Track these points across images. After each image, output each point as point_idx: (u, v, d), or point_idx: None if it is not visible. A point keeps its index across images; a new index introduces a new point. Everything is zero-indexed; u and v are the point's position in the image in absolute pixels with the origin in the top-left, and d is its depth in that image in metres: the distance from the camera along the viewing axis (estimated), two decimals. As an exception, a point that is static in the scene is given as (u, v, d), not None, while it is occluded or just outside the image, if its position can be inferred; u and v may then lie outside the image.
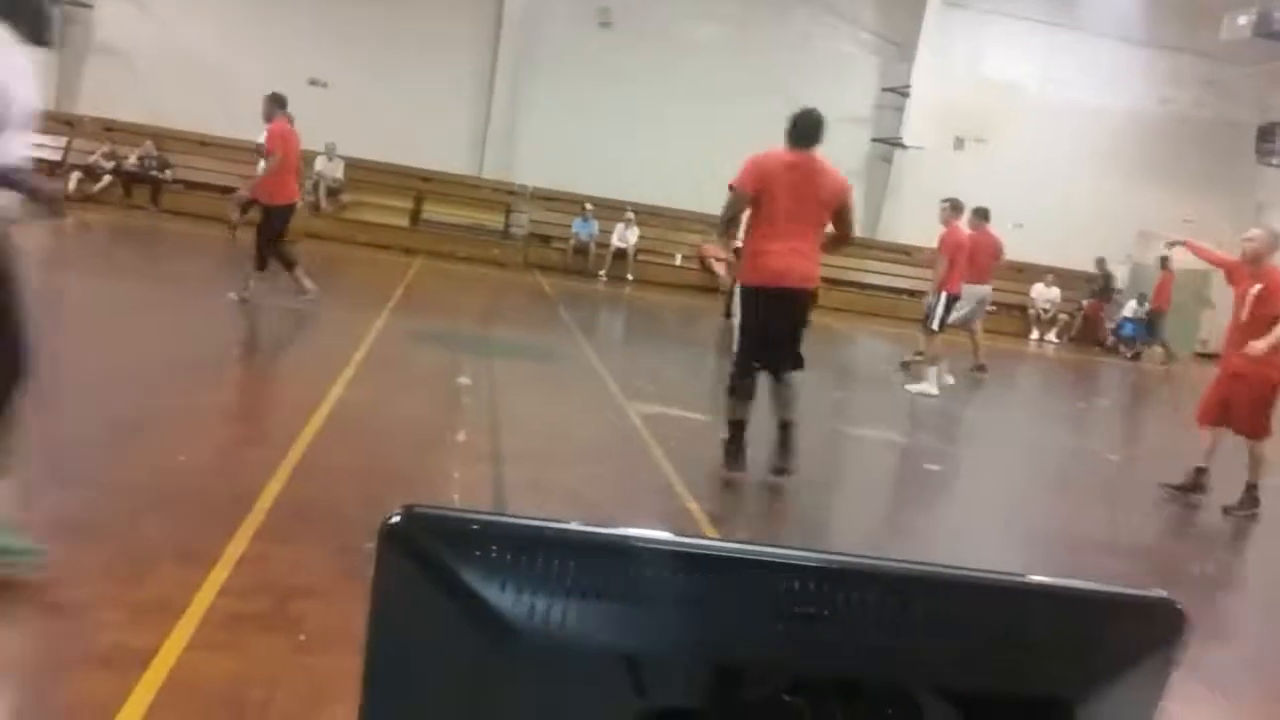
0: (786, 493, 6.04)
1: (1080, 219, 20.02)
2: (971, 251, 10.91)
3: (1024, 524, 6.70)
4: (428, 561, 0.67)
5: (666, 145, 19.30)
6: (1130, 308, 20.18)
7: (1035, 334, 19.90)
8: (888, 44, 20.78)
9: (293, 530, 3.99)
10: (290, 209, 9.94)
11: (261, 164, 10.33)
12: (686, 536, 0.73)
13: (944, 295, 10.52)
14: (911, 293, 20.30)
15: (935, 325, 10.50)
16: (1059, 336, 19.86)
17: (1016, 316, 20.23)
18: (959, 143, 20.02)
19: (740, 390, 5.79)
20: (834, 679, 0.76)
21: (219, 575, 3.53)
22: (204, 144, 18.38)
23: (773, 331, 5.68)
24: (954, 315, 10.84)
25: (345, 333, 8.87)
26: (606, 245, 18.85)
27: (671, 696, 0.74)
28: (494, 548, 0.67)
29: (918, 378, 10.65)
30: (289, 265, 9.87)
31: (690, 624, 0.72)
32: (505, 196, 19.72)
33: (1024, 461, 8.90)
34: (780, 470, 5.82)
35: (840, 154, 22.57)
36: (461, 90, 19.62)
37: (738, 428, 5.82)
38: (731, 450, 5.83)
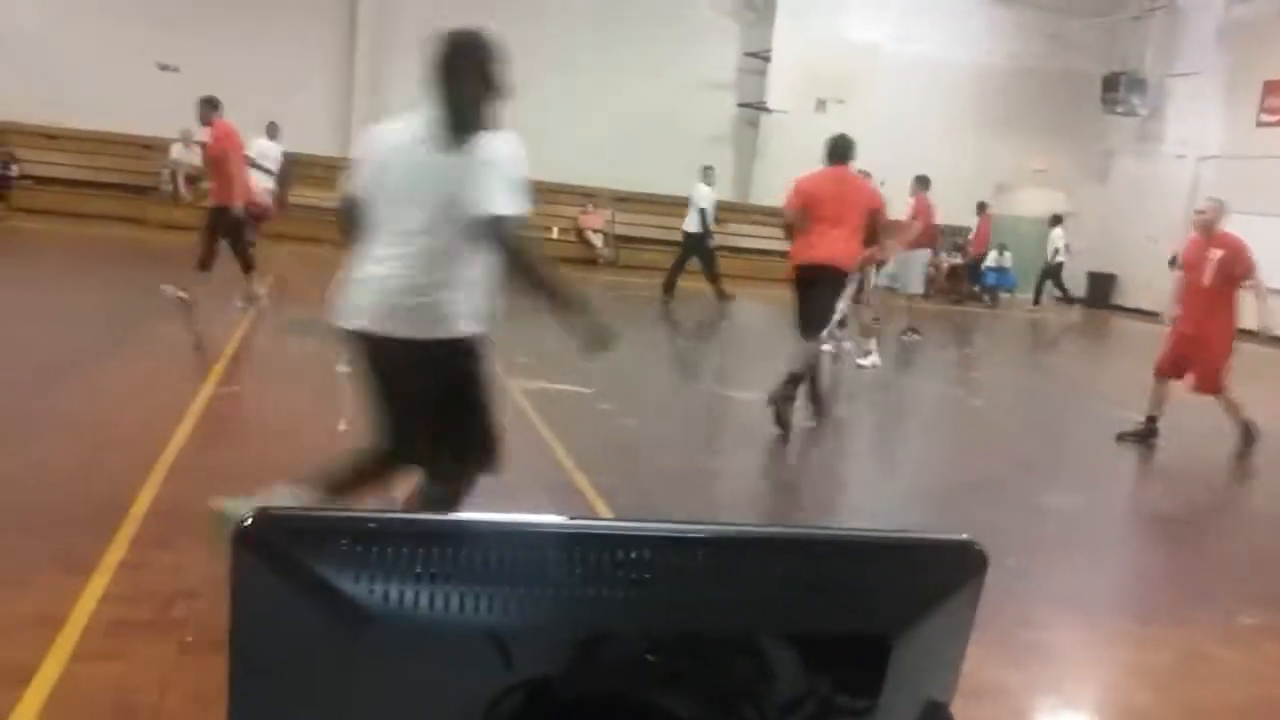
0: (674, 459, 6.18)
1: (939, 173, 20.51)
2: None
3: (905, 475, 6.97)
4: (281, 560, 0.71)
5: (535, 118, 19.11)
6: (991, 257, 20.91)
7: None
8: (747, 9, 20.99)
9: (171, 533, 3.94)
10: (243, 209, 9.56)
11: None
12: (528, 516, 0.80)
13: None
14: (783, 254, 20.66)
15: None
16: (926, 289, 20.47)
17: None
18: (821, 104, 20.35)
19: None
20: (684, 635, 0.83)
21: (99, 583, 3.48)
22: (52, 137, 17.60)
23: (807, 301, 7.05)
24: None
25: (213, 325, 8.67)
26: None
27: (538, 667, 0.79)
28: (344, 541, 0.71)
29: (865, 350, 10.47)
30: (205, 266, 9.32)
31: (544, 598, 0.77)
32: (374, 177, 19.36)
33: (904, 414, 9.22)
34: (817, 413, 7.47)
35: (707, 120, 22.83)
36: (320, 68, 19.16)
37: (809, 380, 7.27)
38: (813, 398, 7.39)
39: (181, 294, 9.15)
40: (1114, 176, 22.55)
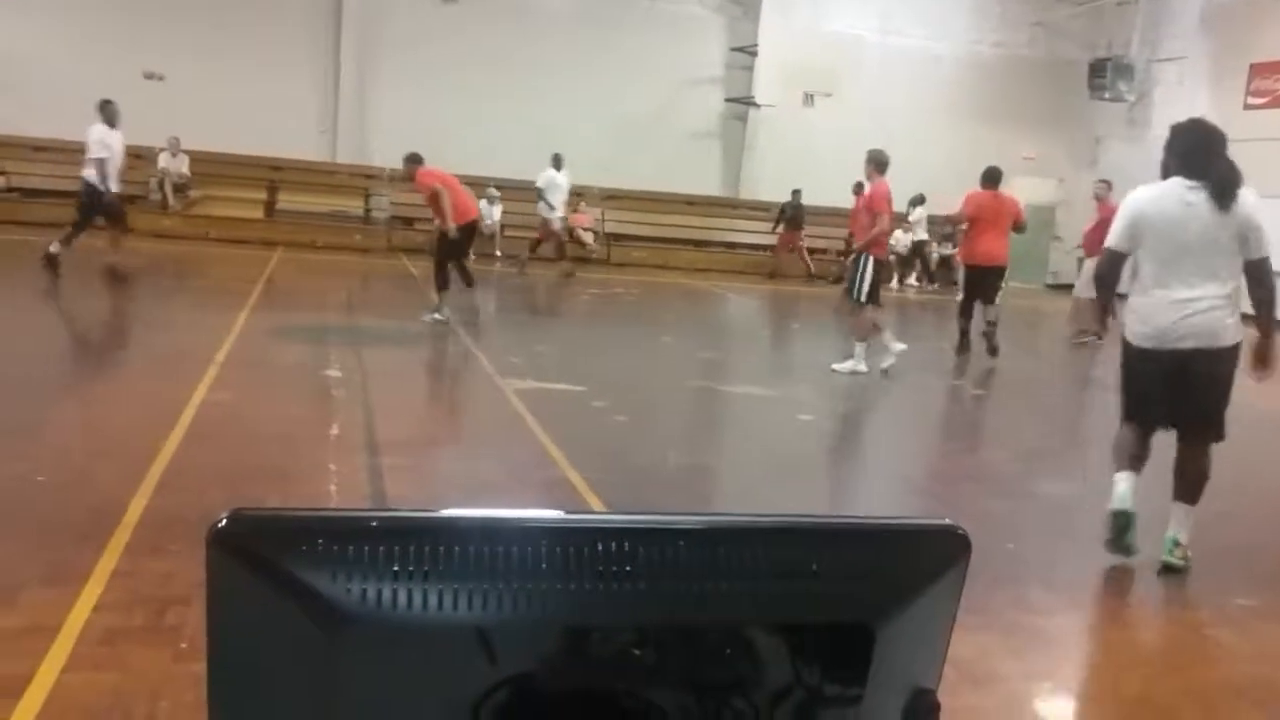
0: (665, 454, 6.18)
1: (928, 165, 20.61)
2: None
3: (897, 467, 6.97)
4: (257, 561, 0.70)
5: (524, 118, 19.17)
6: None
7: (895, 279, 20.49)
8: (733, 3, 20.99)
9: (163, 541, 3.92)
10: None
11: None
12: (506, 510, 0.79)
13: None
14: (772, 249, 20.71)
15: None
16: (918, 280, 20.48)
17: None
18: (808, 99, 20.37)
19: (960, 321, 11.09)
20: (668, 627, 0.83)
21: (92, 592, 3.47)
22: (38, 149, 17.53)
23: (977, 287, 10.89)
24: None
25: (205, 333, 8.66)
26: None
27: (522, 663, 0.78)
28: (320, 541, 0.70)
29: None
30: (442, 286, 10.64)
31: (525, 592, 0.76)
32: (363, 181, 19.34)
33: (903, 405, 9.23)
34: (991, 350, 10.71)
35: (695, 115, 22.86)
36: (307, 74, 19.12)
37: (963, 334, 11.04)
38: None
39: (438, 316, 10.35)
40: (1103, 163, 22.58)
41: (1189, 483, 4.59)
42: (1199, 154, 4.44)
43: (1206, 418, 4.52)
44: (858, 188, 19.03)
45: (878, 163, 9.54)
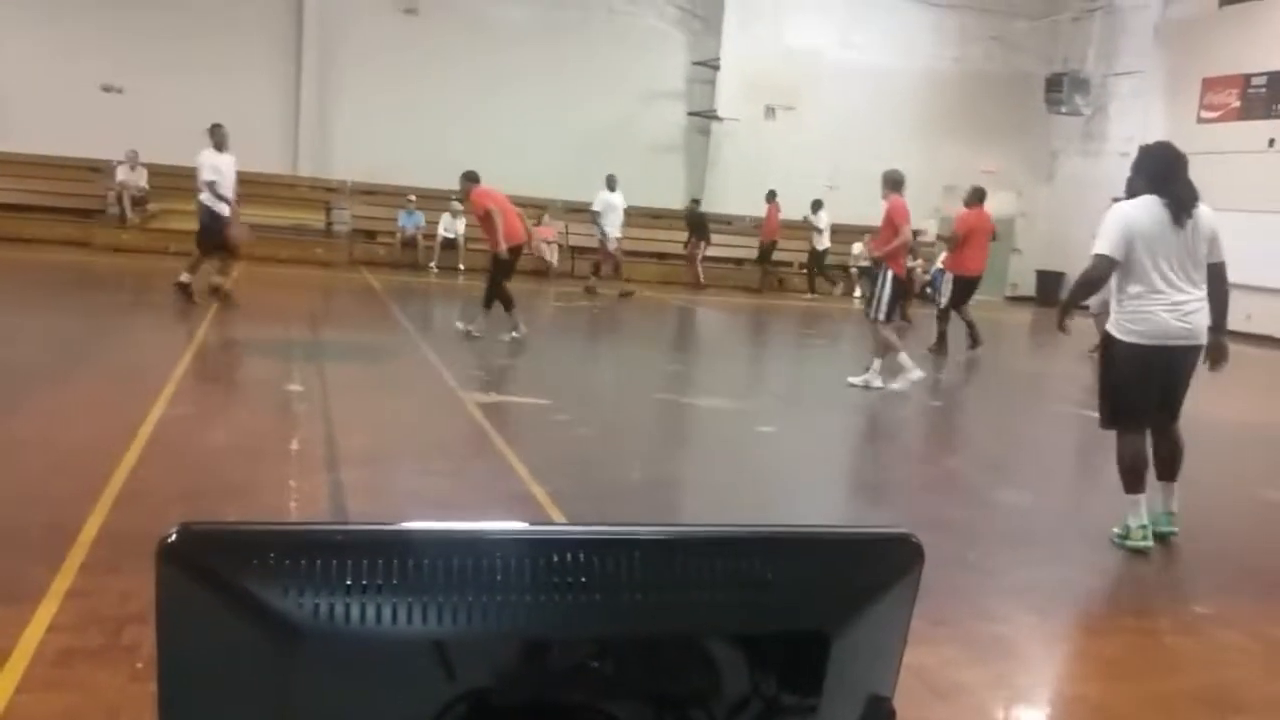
0: (629, 467, 6.17)
1: (888, 178, 20.82)
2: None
3: (867, 474, 7.01)
4: (208, 575, 0.69)
5: (486, 130, 19.14)
6: (941, 258, 21.11)
7: (858, 291, 20.62)
8: (694, 18, 21.09)
9: (120, 559, 3.86)
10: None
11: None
12: (460, 524, 0.78)
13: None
14: (738, 261, 20.79)
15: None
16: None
17: (840, 276, 20.95)
18: (770, 112, 20.51)
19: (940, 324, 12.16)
20: (625, 638, 0.83)
21: (46, 612, 3.41)
22: (-7, 161, 17.33)
23: (963, 294, 12.24)
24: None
25: (163, 348, 8.56)
26: (434, 236, 18.62)
27: (481, 676, 0.78)
28: (271, 555, 0.70)
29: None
30: (508, 306, 10.88)
31: (480, 605, 0.75)
32: (324, 194, 19.22)
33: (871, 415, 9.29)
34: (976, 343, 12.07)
35: (658, 129, 22.90)
36: (266, 87, 18.99)
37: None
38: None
39: (515, 334, 10.77)
40: (1060, 176, 22.88)
41: (1171, 463, 5.21)
42: (1167, 174, 4.94)
43: (1178, 404, 5.13)
44: (770, 196, 19.21)
45: (893, 182, 9.76)
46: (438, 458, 6.14)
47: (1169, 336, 4.87)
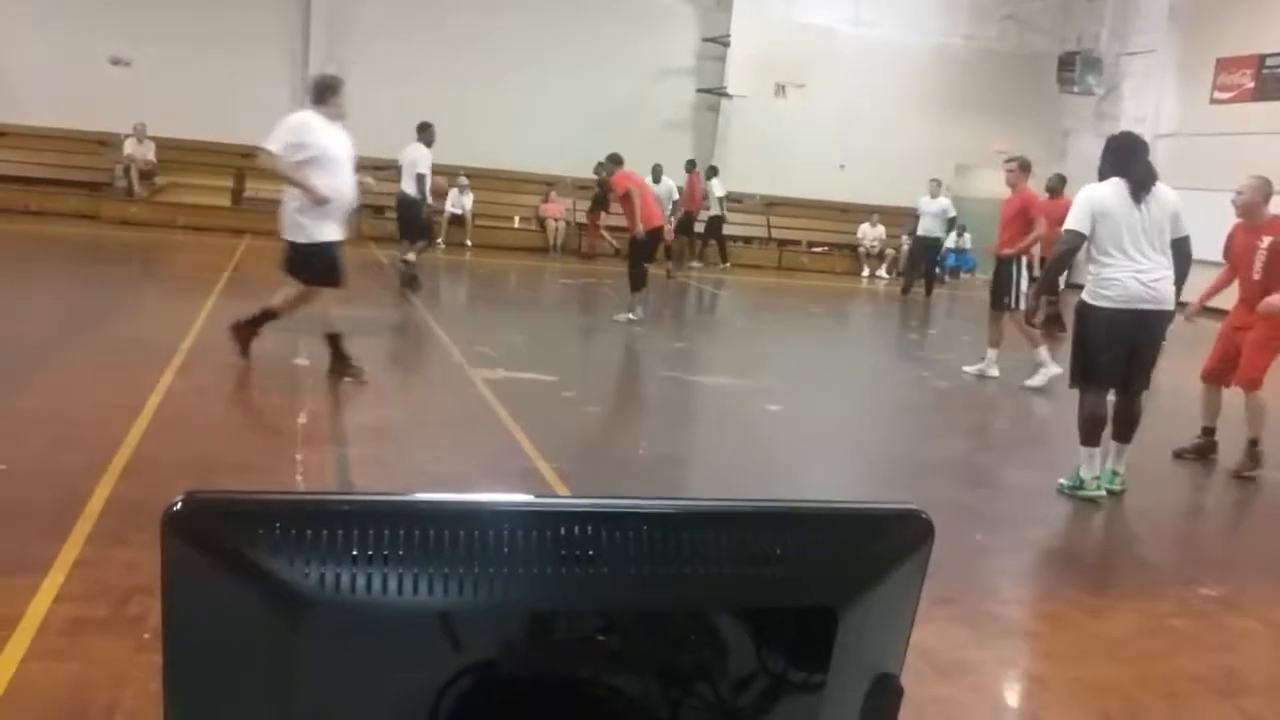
0: (638, 444, 6.17)
1: (899, 157, 20.71)
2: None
3: (872, 454, 7.01)
4: (213, 545, 0.68)
5: (495, 106, 19.07)
6: (951, 239, 21.04)
7: (866, 271, 20.58)
8: (705, -6, 20.97)
9: (128, 530, 3.87)
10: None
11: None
12: (468, 495, 0.78)
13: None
14: (747, 239, 20.75)
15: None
16: (888, 272, 20.57)
17: (848, 256, 20.89)
18: (780, 89, 20.39)
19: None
20: (632, 612, 0.82)
21: (54, 582, 3.43)
22: (2, 134, 17.29)
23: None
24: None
25: (171, 320, 8.57)
26: (441, 212, 18.59)
27: (486, 648, 0.77)
28: (277, 525, 0.69)
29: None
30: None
31: (487, 578, 0.75)
32: (332, 169, 19.18)
33: (875, 394, 9.27)
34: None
35: (667, 106, 22.77)
36: (274, 61, 18.90)
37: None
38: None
39: (631, 316, 11.04)
40: (1072, 156, 22.75)
41: (1128, 426, 5.72)
42: (1129, 159, 5.51)
43: (1146, 371, 5.61)
44: (689, 165, 18.52)
45: (1027, 168, 9.64)
46: (444, 434, 6.15)
47: (1135, 300, 5.35)
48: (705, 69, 21.06)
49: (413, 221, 12.55)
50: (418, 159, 12.20)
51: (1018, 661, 3.79)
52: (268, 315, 6.86)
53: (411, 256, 12.39)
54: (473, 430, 6.31)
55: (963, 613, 3.95)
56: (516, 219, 19.05)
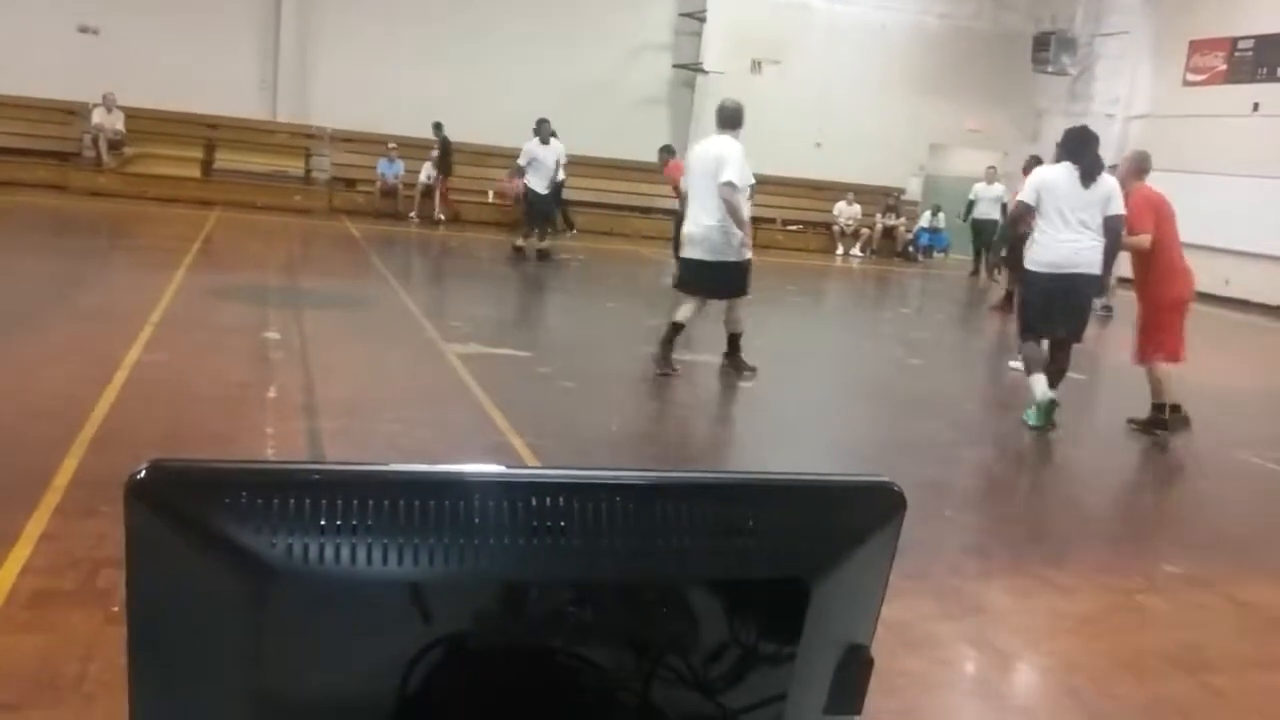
0: (612, 420, 6.17)
1: (874, 136, 20.72)
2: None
3: (846, 431, 7.04)
4: (178, 514, 0.68)
5: (468, 79, 18.90)
6: (925, 218, 21.11)
7: (840, 249, 20.62)
8: (681, -32, 20.84)
9: (95, 503, 3.83)
10: None
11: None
12: (437, 465, 0.77)
13: None
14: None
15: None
16: (862, 250, 20.61)
17: (822, 234, 20.91)
18: (756, 66, 20.31)
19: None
20: (603, 584, 0.82)
21: (20, 554, 3.40)
22: (-37, 102, 17.01)
23: None
24: None
25: (139, 293, 8.48)
26: (414, 185, 18.45)
27: (457, 620, 0.77)
28: (244, 494, 0.68)
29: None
30: None
31: (457, 548, 0.74)
32: (304, 140, 18.97)
33: (841, 370, 9.30)
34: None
35: (643, 81, 22.64)
36: (246, 30, 18.65)
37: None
38: None
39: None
40: (1045, 136, 22.79)
41: (1060, 372, 6.79)
42: (1080, 148, 6.54)
43: (1077, 326, 6.66)
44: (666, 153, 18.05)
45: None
46: (417, 408, 6.12)
47: (1064, 265, 6.39)
48: (681, 44, 20.94)
49: (535, 207, 14.27)
50: (545, 155, 13.98)
51: (986, 636, 3.83)
52: (676, 330, 7.62)
53: (545, 244, 14.32)
54: (445, 405, 6.29)
55: (931, 587, 3.98)
56: (490, 193, 18.92)
